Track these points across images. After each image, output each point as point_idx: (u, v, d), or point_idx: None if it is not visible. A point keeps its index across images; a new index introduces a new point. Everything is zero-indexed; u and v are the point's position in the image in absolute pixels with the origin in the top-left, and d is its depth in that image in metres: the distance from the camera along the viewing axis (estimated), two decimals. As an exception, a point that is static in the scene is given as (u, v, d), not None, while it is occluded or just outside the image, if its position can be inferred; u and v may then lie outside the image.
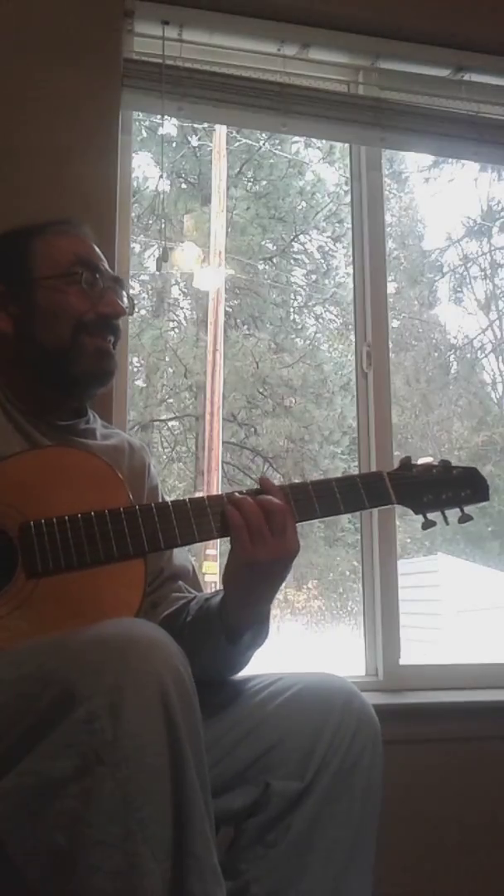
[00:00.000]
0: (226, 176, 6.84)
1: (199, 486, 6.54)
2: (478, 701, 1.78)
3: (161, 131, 5.27)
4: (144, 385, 6.88)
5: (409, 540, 6.00)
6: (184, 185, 7.32)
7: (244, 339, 7.20)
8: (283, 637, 6.32)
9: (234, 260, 7.17)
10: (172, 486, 6.85)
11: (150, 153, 6.57)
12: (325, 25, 1.91)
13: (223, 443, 6.59)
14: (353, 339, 2.02)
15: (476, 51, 2.00)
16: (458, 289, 7.59)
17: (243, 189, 7.39)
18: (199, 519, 1.01)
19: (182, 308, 7.60)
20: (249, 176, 7.45)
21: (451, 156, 3.61)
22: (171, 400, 7.31)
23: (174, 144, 6.97)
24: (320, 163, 7.51)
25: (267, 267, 7.47)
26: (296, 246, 7.58)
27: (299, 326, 7.53)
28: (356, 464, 2.01)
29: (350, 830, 0.99)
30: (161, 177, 6.67)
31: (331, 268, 7.48)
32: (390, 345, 2.00)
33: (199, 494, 1.07)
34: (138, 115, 2.49)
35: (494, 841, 1.72)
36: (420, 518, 1.09)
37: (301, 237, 7.55)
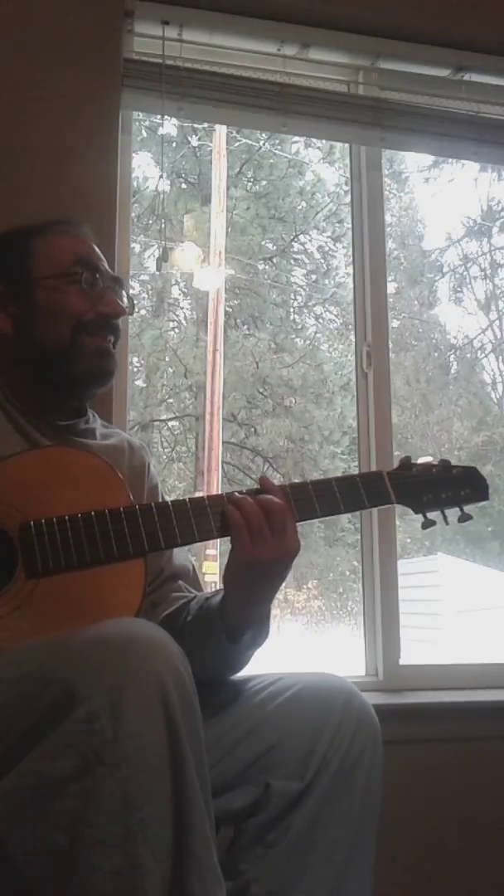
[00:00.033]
0: (226, 176, 6.84)
1: (199, 486, 6.54)
2: (478, 701, 1.78)
3: (161, 131, 5.27)
4: (144, 385, 6.88)
5: (409, 540, 6.00)
6: (184, 185, 7.32)
7: (244, 339, 7.20)
8: (283, 637, 6.31)
9: (234, 260, 7.17)
10: (172, 486, 6.85)
11: (150, 153, 6.57)
12: (325, 25, 1.91)
13: (223, 443, 6.59)
14: (353, 339, 2.02)
15: (476, 51, 2.00)
16: (458, 289, 7.59)
17: (243, 189, 7.39)
18: (199, 519, 1.01)
19: (182, 308, 7.60)
20: (249, 176, 7.45)
21: (451, 156, 3.61)
22: (171, 400, 7.31)
23: (174, 144, 6.97)
24: (320, 163, 7.51)
25: (267, 267, 7.47)
26: (296, 246, 7.58)
27: (299, 326, 7.53)
28: (356, 464, 2.01)
29: (350, 830, 0.98)
30: (161, 177, 6.68)
31: (331, 268, 7.48)
32: (390, 345, 2.00)
33: (199, 494, 1.07)
34: (138, 115, 2.49)
35: (495, 841, 1.71)
36: (420, 517, 1.09)
37: (301, 237, 7.55)
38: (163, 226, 6.55)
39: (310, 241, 7.59)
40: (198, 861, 0.75)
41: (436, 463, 1.11)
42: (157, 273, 6.88)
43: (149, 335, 6.88)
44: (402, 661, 1.84)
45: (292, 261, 7.60)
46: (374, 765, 1.02)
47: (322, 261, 7.54)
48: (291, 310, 7.50)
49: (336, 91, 1.95)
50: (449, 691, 1.82)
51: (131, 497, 1.01)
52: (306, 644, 6.49)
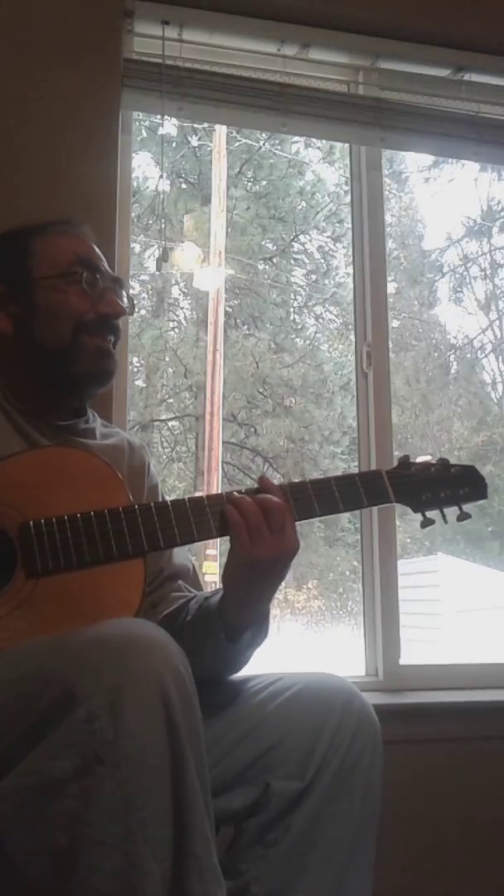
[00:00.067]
0: (226, 176, 6.84)
1: (199, 486, 6.54)
2: (478, 701, 1.78)
3: (161, 131, 5.27)
4: (144, 385, 6.88)
5: (409, 540, 6.00)
6: (184, 185, 7.32)
7: (244, 339, 7.21)
8: (283, 637, 6.31)
9: (234, 260, 7.17)
10: (172, 486, 6.85)
11: (150, 153, 6.58)
12: (325, 25, 1.91)
13: (223, 443, 6.59)
14: (353, 339, 2.02)
15: (476, 51, 2.00)
16: (458, 289, 7.59)
17: (243, 189, 7.39)
18: (198, 518, 1.01)
19: (182, 308, 7.60)
20: (249, 176, 7.45)
21: (451, 156, 3.61)
22: (171, 400, 7.31)
23: (174, 144, 6.98)
24: (320, 163, 7.51)
25: (267, 267, 7.47)
26: (296, 246, 7.59)
27: (299, 326, 7.53)
28: (356, 464, 2.01)
29: (350, 830, 0.98)
30: (161, 177, 6.68)
31: (331, 268, 7.48)
32: (390, 345, 2.00)
33: (198, 494, 1.07)
34: (138, 115, 2.49)
35: (495, 841, 1.71)
36: (419, 516, 1.09)
37: (301, 237, 7.55)
38: (163, 226, 6.55)
39: (310, 241, 7.60)
40: (198, 861, 0.75)
41: (434, 462, 1.11)
42: (157, 273, 6.88)
43: (149, 335, 6.89)
44: (402, 661, 1.84)
45: (292, 261, 7.60)
46: (374, 765, 1.02)
47: (322, 261, 7.55)
48: (291, 310, 7.50)
49: (336, 91, 1.95)
50: (449, 691, 1.82)
51: (131, 497, 1.01)
52: (306, 644, 6.49)
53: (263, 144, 7.25)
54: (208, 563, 5.38)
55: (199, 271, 6.69)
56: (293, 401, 7.07)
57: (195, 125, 6.86)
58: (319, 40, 1.92)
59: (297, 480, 1.06)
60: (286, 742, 1.02)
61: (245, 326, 7.35)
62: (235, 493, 1.01)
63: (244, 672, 1.12)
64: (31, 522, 0.96)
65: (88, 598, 0.95)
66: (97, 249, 1.20)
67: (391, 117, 1.92)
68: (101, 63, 1.71)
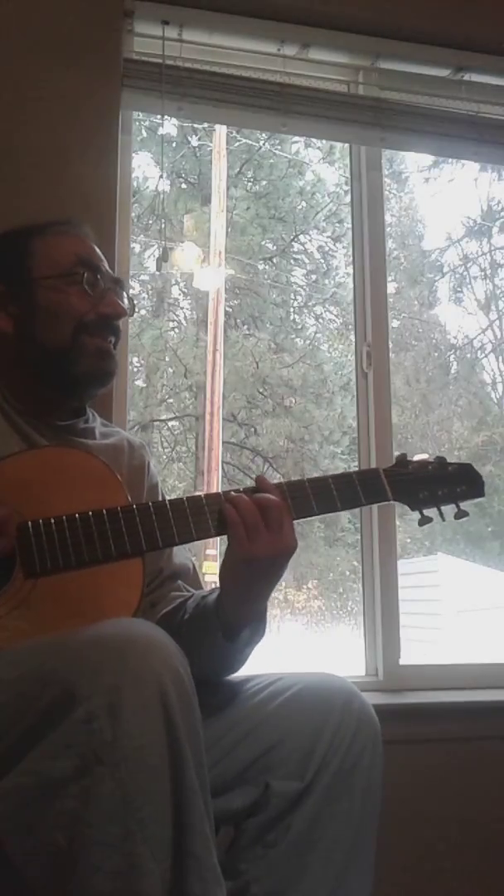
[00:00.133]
0: (226, 176, 6.84)
1: (199, 486, 6.54)
2: (478, 701, 1.78)
3: (161, 131, 5.27)
4: (144, 385, 6.88)
5: (409, 540, 6.00)
6: (184, 185, 7.32)
7: (244, 339, 7.21)
8: (283, 637, 6.31)
9: (234, 260, 7.17)
10: (172, 486, 6.85)
11: (150, 153, 6.57)
12: (325, 25, 1.91)
13: (223, 443, 6.59)
14: (353, 339, 2.02)
15: (476, 51, 2.00)
16: (458, 289, 7.59)
17: (243, 189, 7.39)
18: (196, 517, 1.01)
19: (182, 308, 7.60)
20: (249, 176, 7.45)
21: (451, 156, 3.61)
22: (171, 400, 7.31)
23: (174, 144, 6.98)
24: (320, 163, 7.51)
25: (267, 267, 7.47)
26: (296, 246, 7.59)
27: (299, 326, 7.53)
28: (356, 464, 2.01)
29: (350, 830, 0.98)
30: (161, 177, 6.68)
31: (331, 268, 7.48)
32: (390, 345, 2.00)
33: (196, 494, 1.07)
34: (138, 115, 2.50)
35: (495, 841, 1.71)
36: (419, 516, 1.09)
37: (301, 237, 7.55)
38: (163, 226, 6.55)
39: (310, 241, 7.60)
40: (197, 861, 0.75)
41: (431, 460, 1.11)
42: (157, 273, 6.88)
43: (149, 335, 6.89)
44: (402, 661, 1.84)
45: (292, 261, 7.60)
46: (374, 765, 1.02)
47: (322, 261, 7.55)
48: (291, 310, 7.50)
49: (336, 91, 1.95)
50: (449, 691, 1.82)
51: (129, 497, 1.01)
52: (306, 644, 6.49)
53: (263, 144, 7.25)
54: (208, 563, 5.38)
55: (199, 271, 6.69)
56: (293, 401, 7.07)
57: (195, 125, 6.86)
58: (319, 40, 1.92)
59: (294, 479, 1.06)
60: (286, 742, 1.01)
61: (245, 326, 7.35)
62: (233, 493, 1.01)
63: (243, 672, 1.12)
64: (30, 523, 0.96)
65: (87, 597, 0.95)
66: (98, 250, 1.20)
67: (391, 117, 1.92)
68: (101, 63, 1.71)
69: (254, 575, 1.00)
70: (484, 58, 2.01)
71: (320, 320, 7.55)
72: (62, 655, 0.79)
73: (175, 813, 0.74)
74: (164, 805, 0.73)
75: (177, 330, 7.44)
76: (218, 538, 1.03)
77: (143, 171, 6.52)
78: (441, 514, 1.09)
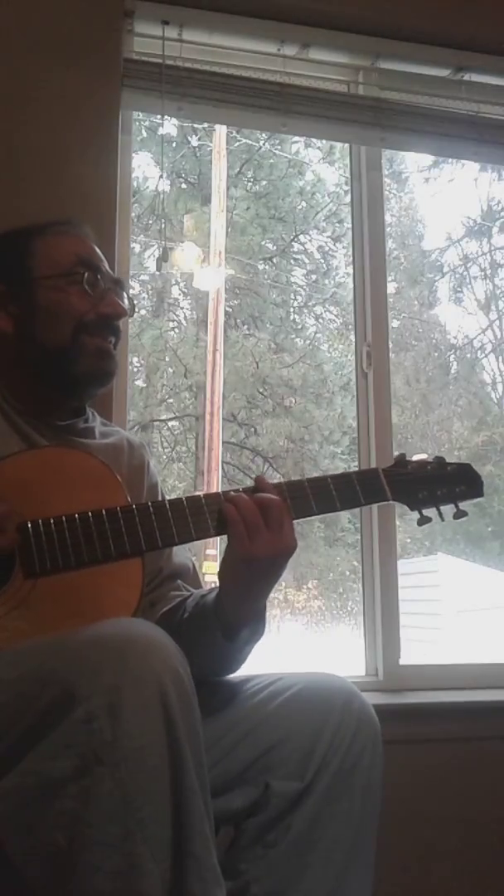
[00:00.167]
0: (226, 176, 6.84)
1: (199, 486, 6.54)
2: (478, 701, 1.78)
3: (161, 131, 5.27)
4: (144, 385, 6.88)
5: (409, 540, 6.00)
6: (184, 185, 7.32)
7: (244, 339, 7.20)
8: (283, 637, 6.31)
9: (234, 260, 7.17)
10: (172, 486, 6.85)
11: (150, 153, 6.57)
12: (325, 25, 1.91)
13: (223, 443, 6.59)
14: (353, 339, 2.02)
15: (476, 51, 2.00)
16: (458, 289, 7.59)
17: (243, 189, 7.39)
18: (195, 517, 1.01)
19: (182, 308, 7.60)
20: (249, 176, 7.45)
21: (451, 156, 3.61)
22: (171, 400, 7.31)
23: (174, 144, 6.97)
24: (320, 163, 7.51)
25: (267, 267, 7.47)
26: (296, 246, 7.58)
27: (299, 326, 7.53)
28: (356, 464, 2.01)
29: (350, 830, 0.99)
30: (161, 177, 6.68)
31: (331, 268, 7.48)
32: (390, 345, 2.00)
33: (196, 493, 1.07)
34: (138, 115, 2.50)
35: (495, 841, 1.71)
36: (417, 515, 1.09)
37: (301, 237, 7.55)
38: (163, 226, 6.55)
39: (310, 241, 7.60)
40: (197, 861, 0.75)
41: (431, 460, 1.11)
42: (157, 273, 6.88)
43: (149, 335, 6.89)
44: (402, 661, 1.84)
45: (292, 261, 7.60)
46: (374, 765, 1.02)
47: (322, 261, 7.55)
48: (291, 310, 7.50)
49: (336, 91, 1.95)
50: (449, 691, 1.82)
51: (128, 497, 1.01)
52: (306, 644, 6.49)
53: (263, 144, 7.24)
54: (208, 562, 5.37)
55: (199, 271, 6.69)
56: (293, 401, 7.07)
57: (195, 125, 6.86)
58: (319, 40, 1.92)
59: (294, 479, 1.06)
60: (286, 742, 1.02)
61: (245, 326, 7.35)
62: (233, 492, 1.01)
63: (243, 672, 1.12)
64: (29, 523, 0.96)
65: (87, 597, 0.95)
66: (98, 250, 1.20)
67: (391, 117, 1.92)
68: (101, 63, 1.71)
69: (253, 574, 1.00)
70: (484, 58, 2.01)
71: (320, 320, 7.56)
72: (62, 655, 0.79)
73: (175, 813, 0.74)
74: (164, 805, 0.73)
75: (177, 330, 7.44)
76: (218, 538, 1.03)
77: (143, 171, 6.53)
78: (440, 513, 1.09)
